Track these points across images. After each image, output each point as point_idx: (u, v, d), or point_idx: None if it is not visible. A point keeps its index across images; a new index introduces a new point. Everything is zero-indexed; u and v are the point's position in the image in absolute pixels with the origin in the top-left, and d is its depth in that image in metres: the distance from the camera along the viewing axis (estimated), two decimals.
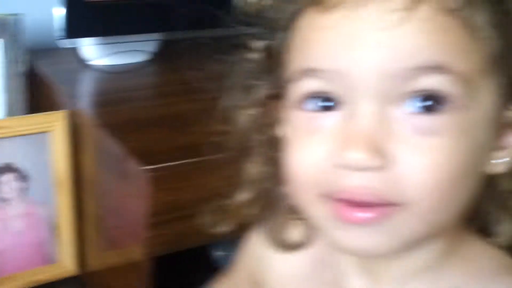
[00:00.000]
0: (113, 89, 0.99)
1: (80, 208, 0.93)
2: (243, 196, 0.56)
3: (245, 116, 0.54)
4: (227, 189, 0.76)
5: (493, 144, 0.45)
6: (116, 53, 1.05)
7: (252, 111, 0.53)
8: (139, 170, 0.73)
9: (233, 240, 0.95)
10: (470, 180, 0.44)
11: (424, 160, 0.41)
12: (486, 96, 0.43)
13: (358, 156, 0.41)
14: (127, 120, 0.86)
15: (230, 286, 0.67)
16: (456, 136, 0.41)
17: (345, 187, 0.42)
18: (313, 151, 0.44)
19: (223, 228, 0.58)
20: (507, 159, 0.46)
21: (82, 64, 1.06)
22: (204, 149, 0.77)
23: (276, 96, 0.50)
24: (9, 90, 0.98)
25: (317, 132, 0.44)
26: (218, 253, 1.01)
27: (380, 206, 0.42)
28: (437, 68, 0.40)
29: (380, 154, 0.41)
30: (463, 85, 0.41)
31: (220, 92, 0.55)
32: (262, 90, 0.52)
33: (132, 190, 0.77)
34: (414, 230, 0.43)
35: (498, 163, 0.46)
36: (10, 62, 0.98)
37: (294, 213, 0.52)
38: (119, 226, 0.83)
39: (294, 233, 0.56)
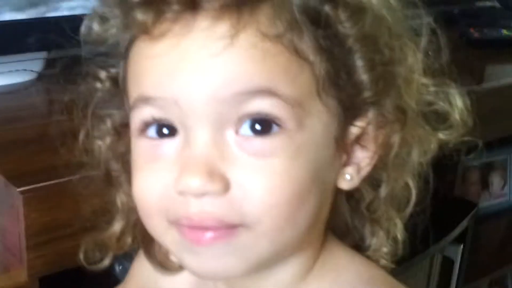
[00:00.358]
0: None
1: None
2: (115, 227, 0.57)
3: (101, 145, 0.54)
4: (104, 207, 0.77)
5: (341, 160, 0.47)
6: None
7: (107, 141, 0.54)
8: (14, 192, 0.73)
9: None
10: (314, 198, 0.45)
11: (260, 181, 0.42)
12: (319, 117, 0.44)
13: (194, 182, 0.42)
14: (3, 142, 0.85)
15: None
16: (290, 156, 0.42)
17: (187, 214, 0.43)
18: (155, 179, 0.45)
19: (104, 263, 0.59)
20: (357, 174, 0.48)
21: None
22: (78, 167, 0.78)
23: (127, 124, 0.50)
24: None
25: (158, 159, 0.45)
26: (121, 268, 1.01)
27: (222, 229, 0.43)
28: (263, 92, 0.42)
29: (217, 179, 0.42)
30: (291, 108, 0.42)
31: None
32: (114, 119, 0.53)
33: (12, 213, 0.77)
34: (261, 250, 0.44)
35: (350, 178, 0.48)
36: None
37: None
38: (5, 251, 0.82)
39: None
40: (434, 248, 1.25)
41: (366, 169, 0.48)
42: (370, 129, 0.47)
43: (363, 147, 0.48)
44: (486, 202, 1.65)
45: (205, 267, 0.45)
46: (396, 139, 0.48)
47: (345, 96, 0.45)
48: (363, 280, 0.49)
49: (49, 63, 1.09)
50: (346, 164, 0.48)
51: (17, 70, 1.06)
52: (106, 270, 0.99)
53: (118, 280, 0.70)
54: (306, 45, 0.43)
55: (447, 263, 1.36)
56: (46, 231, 0.75)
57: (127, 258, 0.98)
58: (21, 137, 0.88)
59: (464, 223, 1.32)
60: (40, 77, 1.09)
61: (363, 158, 0.48)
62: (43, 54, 1.09)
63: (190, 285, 0.57)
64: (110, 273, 1.00)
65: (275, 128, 0.42)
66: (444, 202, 1.20)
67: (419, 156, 0.50)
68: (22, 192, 0.72)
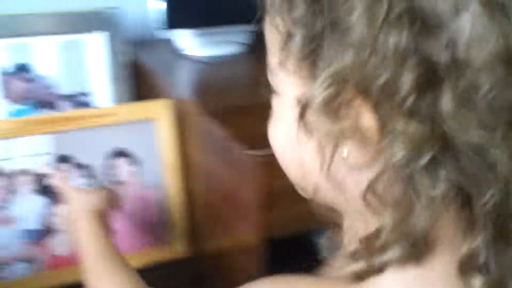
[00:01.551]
0: (212, 78, 1.02)
1: (189, 192, 0.97)
2: None
3: None
4: None
5: None
6: (211, 43, 1.09)
7: None
8: (247, 156, 0.75)
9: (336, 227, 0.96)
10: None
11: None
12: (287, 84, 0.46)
13: None
14: (229, 107, 0.88)
15: None
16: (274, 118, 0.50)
17: None
18: None
19: None
20: None
21: (178, 54, 1.10)
22: None
23: None
24: (114, 80, 1.04)
25: None
26: (320, 241, 1.01)
27: None
28: None
29: None
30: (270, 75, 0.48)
31: None
32: None
33: (241, 175, 0.79)
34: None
35: None
36: (114, 53, 1.03)
37: None
38: (230, 210, 0.86)
39: None
40: None
41: None
42: None
43: None
44: None
45: None
46: None
47: None
48: None
49: (258, 36, 1.12)
50: None
51: (228, 41, 1.10)
52: (303, 244, 1.01)
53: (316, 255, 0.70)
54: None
55: None
56: (280, 195, 0.77)
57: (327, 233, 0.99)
58: (243, 104, 0.90)
59: None
60: (248, 49, 1.13)
61: None
62: (252, 27, 1.12)
63: None
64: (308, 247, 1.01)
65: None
66: None
67: None
68: (257, 156, 0.74)
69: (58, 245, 0.92)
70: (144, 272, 0.92)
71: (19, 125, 0.87)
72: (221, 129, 0.82)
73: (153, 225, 0.98)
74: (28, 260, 0.90)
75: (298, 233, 0.84)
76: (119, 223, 0.95)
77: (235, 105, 0.90)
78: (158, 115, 0.94)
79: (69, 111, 0.99)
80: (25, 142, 0.88)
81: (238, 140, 0.78)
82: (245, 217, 0.81)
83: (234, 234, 0.85)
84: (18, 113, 1.01)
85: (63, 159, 0.90)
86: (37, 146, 0.88)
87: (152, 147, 0.95)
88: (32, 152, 0.88)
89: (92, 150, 0.92)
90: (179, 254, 0.98)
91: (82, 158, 0.92)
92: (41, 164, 0.89)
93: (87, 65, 1.03)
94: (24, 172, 0.88)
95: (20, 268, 0.90)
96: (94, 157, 0.92)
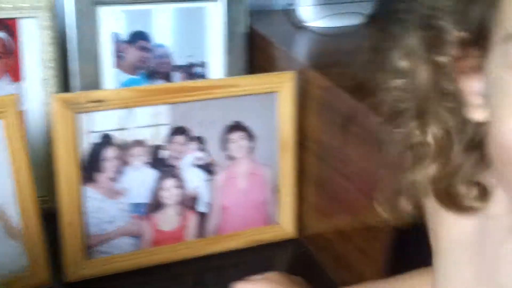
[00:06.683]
0: (335, 50, 0.97)
1: (301, 170, 0.93)
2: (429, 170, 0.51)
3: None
4: None
5: None
6: (332, 15, 1.03)
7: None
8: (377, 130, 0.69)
9: None
10: None
11: None
12: None
13: None
14: (358, 82, 0.83)
15: None
16: None
17: None
18: None
19: None
20: None
21: (298, 25, 1.05)
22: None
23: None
24: (230, 50, 1.00)
25: None
26: None
27: None
28: None
29: None
30: None
31: None
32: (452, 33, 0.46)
33: (369, 152, 0.74)
34: None
35: None
36: (232, 22, 0.99)
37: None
38: (352, 191, 0.80)
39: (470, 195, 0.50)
40: None
41: None
42: None
43: None
44: None
45: None
46: None
47: None
48: None
49: (380, 6, 1.06)
50: None
51: (349, 13, 1.04)
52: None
53: None
54: None
55: None
56: None
57: None
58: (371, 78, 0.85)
59: None
60: (370, 20, 1.07)
61: None
62: None
63: (473, 235, 0.52)
64: None
65: None
66: None
67: None
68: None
69: (164, 221, 0.89)
70: (249, 251, 0.89)
71: (138, 94, 0.83)
72: (350, 102, 0.77)
73: (263, 204, 0.93)
74: (134, 235, 0.87)
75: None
76: (230, 200, 0.91)
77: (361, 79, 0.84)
78: (280, 88, 0.89)
79: (189, 82, 0.95)
80: (142, 112, 0.84)
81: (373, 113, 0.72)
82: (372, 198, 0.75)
83: (357, 215, 0.80)
84: (130, 83, 0.98)
85: (179, 131, 0.87)
86: (154, 116, 0.85)
87: (270, 122, 0.90)
88: (148, 122, 0.85)
89: (209, 122, 0.88)
90: (286, 235, 0.94)
91: (199, 131, 0.88)
92: (157, 135, 0.86)
93: (204, 34, 0.99)
94: (138, 143, 0.85)
95: (125, 243, 0.87)
96: (210, 130, 0.88)
